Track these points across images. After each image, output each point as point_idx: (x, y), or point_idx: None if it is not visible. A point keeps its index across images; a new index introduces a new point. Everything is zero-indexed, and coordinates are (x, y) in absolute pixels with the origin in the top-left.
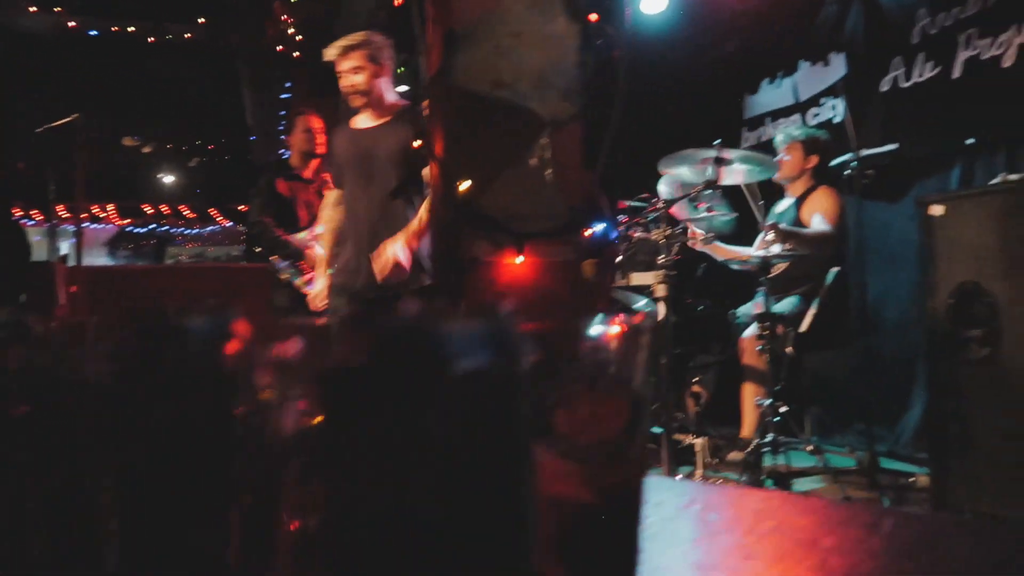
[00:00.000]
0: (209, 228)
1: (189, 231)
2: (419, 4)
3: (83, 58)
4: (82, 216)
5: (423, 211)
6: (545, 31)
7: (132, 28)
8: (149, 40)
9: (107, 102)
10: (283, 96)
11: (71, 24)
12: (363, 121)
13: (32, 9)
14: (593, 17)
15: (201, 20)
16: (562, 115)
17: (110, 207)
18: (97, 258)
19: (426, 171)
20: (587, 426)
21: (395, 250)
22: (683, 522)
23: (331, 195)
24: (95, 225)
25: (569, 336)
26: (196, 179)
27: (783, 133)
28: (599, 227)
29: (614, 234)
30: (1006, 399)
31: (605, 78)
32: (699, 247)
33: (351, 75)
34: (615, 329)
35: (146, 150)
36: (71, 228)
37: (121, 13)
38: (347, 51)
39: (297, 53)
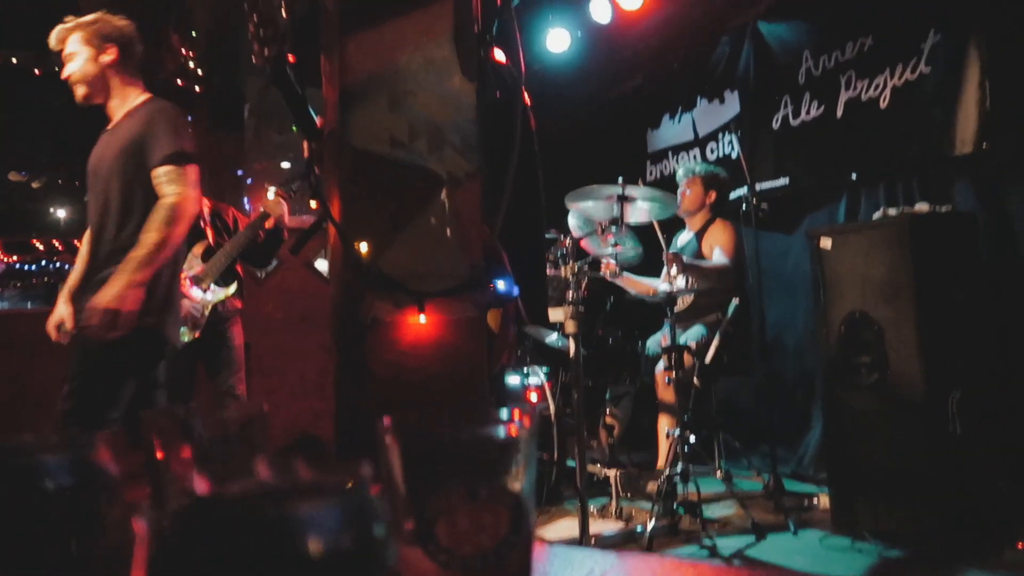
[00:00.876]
0: None
1: None
2: (288, 64)
3: None
4: None
5: (151, 237)
6: (441, 89)
7: (15, 59)
8: (35, 72)
9: None
10: None
11: None
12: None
13: None
14: (495, 62)
15: None
16: (460, 172)
17: None
18: None
19: (160, 171)
20: (468, 536)
21: (109, 296)
22: None
23: None
24: None
25: (450, 443)
26: None
27: (684, 168)
28: (501, 282)
29: (516, 289)
30: (896, 421)
31: (505, 129)
32: (609, 279)
33: (67, 62)
34: (498, 432)
35: (35, 185)
36: None
37: (2, 43)
38: (64, 35)
39: (198, 88)
